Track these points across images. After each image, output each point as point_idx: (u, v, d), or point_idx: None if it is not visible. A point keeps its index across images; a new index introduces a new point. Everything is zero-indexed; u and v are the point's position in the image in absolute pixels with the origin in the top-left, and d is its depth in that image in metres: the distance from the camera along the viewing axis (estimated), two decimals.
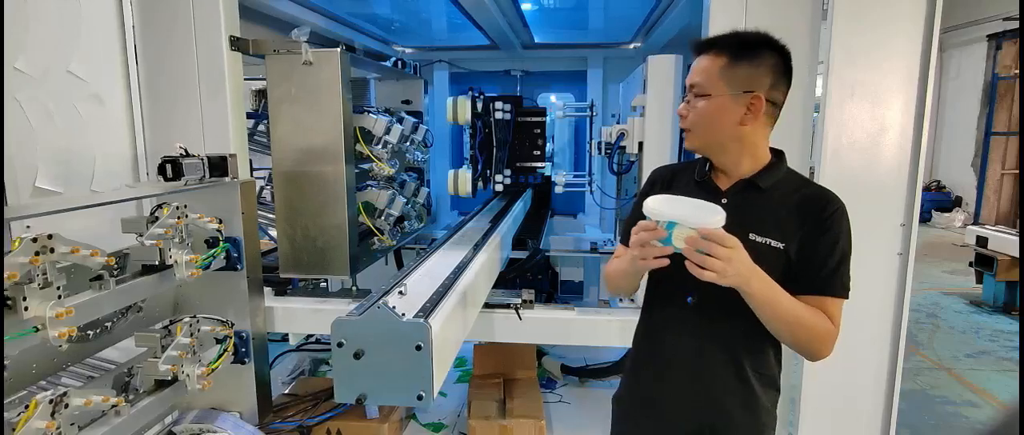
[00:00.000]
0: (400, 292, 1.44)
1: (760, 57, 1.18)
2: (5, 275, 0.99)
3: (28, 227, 1.49)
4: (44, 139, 1.84)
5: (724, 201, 1.22)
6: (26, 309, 1.05)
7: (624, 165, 2.32)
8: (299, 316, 2.08)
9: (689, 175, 1.33)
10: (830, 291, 1.18)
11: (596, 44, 3.74)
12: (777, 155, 1.26)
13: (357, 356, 1.16)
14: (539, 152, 3.27)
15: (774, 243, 1.17)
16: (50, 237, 1.08)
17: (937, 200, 9.66)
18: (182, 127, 1.99)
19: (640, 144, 2.11)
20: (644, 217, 1.16)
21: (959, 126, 9.34)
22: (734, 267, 1.04)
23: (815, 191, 1.23)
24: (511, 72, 3.91)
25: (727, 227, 1.14)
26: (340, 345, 1.17)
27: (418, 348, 1.15)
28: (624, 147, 2.17)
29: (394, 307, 1.20)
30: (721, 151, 1.24)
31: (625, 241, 1.34)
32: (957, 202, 9.70)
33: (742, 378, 1.24)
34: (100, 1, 1.88)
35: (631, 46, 3.66)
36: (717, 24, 1.85)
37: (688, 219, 1.03)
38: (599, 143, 2.55)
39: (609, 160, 2.26)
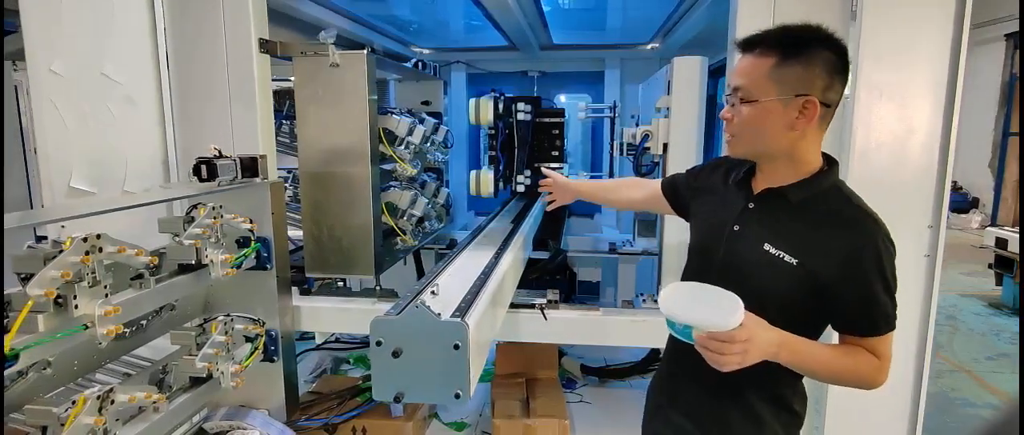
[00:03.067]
0: (432, 292, 1.46)
1: (813, 55, 1.07)
2: (59, 274, 1.01)
3: (62, 227, 1.52)
4: (79, 140, 1.88)
5: (751, 205, 1.19)
6: (76, 307, 1.08)
7: (648, 166, 2.32)
8: (325, 315, 2.10)
9: (734, 173, 1.27)
10: (876, 331, 1.10)
11: (614, 45, 3.74)
12: (828, 164, 1.16)
13: (395, 355, 1.18)
14: (557, 153, 3.28)
15: (788, 258, 1.11)
16: (99, 237, 1.11)
17: (954, 201, 9.57)
18: (212, 128, 2.01)
19: (664, 145, 2.12)
20: (684, 178, 1.36)
21: (976, 127, 9.26)
22: (753, 355, 1.00)
23: (858, 214, 1.11)
24: (528, 73, 3.92)
25: (746, 234, 1.15)
26: (379, 343, 1.18)
27: (456, 347, 1.16)
28: (648, 148, 2.18)
29: (430, 307, 1.21)
30: (768, 159, 1.16)
31: (665, 183, 1.52)
32: (974, 203, 9.61)
33: (753, 415, 1.21)
34: (132, 5, 1.90)
35: (649, 47, 3.66)
36: (744, 25, 1.85)
37: (702, 324, 1.01)
38: (621, 144, 2.55)
39: (634, 161, 2.27)
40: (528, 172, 2.84)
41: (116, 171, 1.93)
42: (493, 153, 2.93)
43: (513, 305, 2.03)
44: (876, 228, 1.09)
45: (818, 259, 1.09)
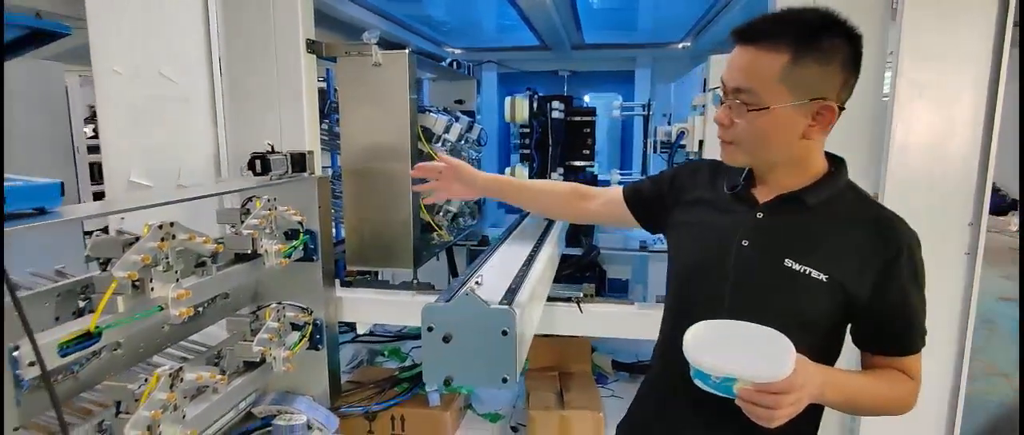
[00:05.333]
0: (477, 282, 1.51)
1: (831, 50, 0.92)
2: (139, 258, 1.09)
3: (122, 219, 1.61)
4: (137, 136, 1.98)
5: (759, 216, 1.04)
6: (152, 290, 1.15)
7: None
8: (366, 306, 2.17)
9: (724, 179, 1.13)
10: (913, 349, 1.01)
11: (645, 44, 3.76)
12: (835, 164, 1.05)
13: (446, 340, 1.23)
14: (588, 151, 3.32)
15: (815, 274, 0.97)
16: (172, 225, 1.18)
17: (992, 203, 9.28)
18: (260, 126, 2.10)
19: (700, 142, 2.14)
20: (652, 187, 1.20)
21: (1014, 126, 9.00)
22: (805, 402, 0.88)
23: (888, 217, 1.01)
24: (559, 72, 3.96)
25: (758, 248, 1.00)
26: (430, 329, 1.24)
27: (504, 333, 1.22)
28: (684, 145, 2.20)
29: (480, 295, 1.26)
30: (770, 165, 1.03)
31: (629, 191, 1.31)
32: (1013, 205, 9.35)
33: None
34: (188, 8, 2.00)
35: (680, 46, 3.67)
36: None
37: (750, 375, 0.85)
38: (654, 142, 2.58)
39: (669, 158, 2.30)
40: (561, 170, 2.89)
41: (171, 166, 2.02)
42: (525, 151, 2.98)
43: (549, 299, 2.07)
44: (910, 233, 0.99)
45: (850, 272, 0.97)
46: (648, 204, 1.29)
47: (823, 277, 0.98)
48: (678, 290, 1.16)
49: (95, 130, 7.15)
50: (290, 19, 2.03)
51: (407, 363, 2.61)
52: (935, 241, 1.81)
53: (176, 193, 1.63)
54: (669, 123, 2.39)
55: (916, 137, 1.80)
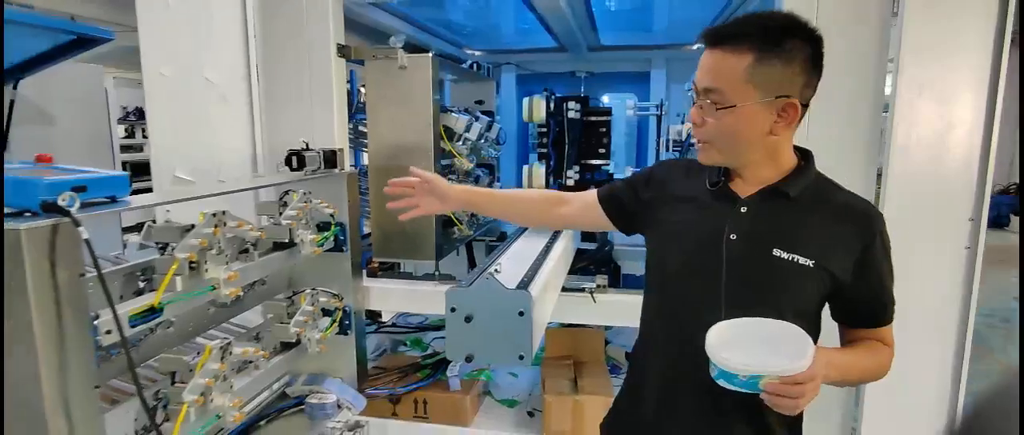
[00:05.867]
0: (496, 270, 1.63)
1: (793, 50, 0.98)
2: (198, 242, 1.22)
3: (168, 211, 1.76)
4: (182, 135, 2.13)
5: (743, 210, 1.09)
6: (206, 271, 1.29)
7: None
8: (391, 295, 2.30)
9: (701, 178, 1.17)
10: (889, 319, 1.11)
11: (660, 46, 3.85)
12: (804, 157, 1.11)
13: (467, 320, 1.35)
14: (604, 150, 3.41)
15: (801, 260, 1.04)
16: (224, 213, 1.32)
17: (1010, 204, 9.18)
18: (293, 125, 2.24)
19: None
20: (627, 189, 1.24)
21: (1014, 126, 8.81)
22: (819, 386, 0.94)
23: (861, 204, 1.09)
24: (576, 73, 4.06)
25: (746, 240, 1.05)
26: (453, 310, 1.36)
27: (521, 314, 1.33)
28: (694, 144, 2.29)
29: (499, 279, 1.38)
30: (743, 162, 1.09)
31: (603, 194, 1.33)
32: None
33: (764, 428, 1.11)
34: (229, 16, 2.15)
35: (694, 47, 3.75)
36: None
37: (777, 371, 0.91)
38: (667, 141, 2.67)
39: (680, 156, 2.39)
40: (577, 167, 3.00)
41: (212, 162, 2.17)
42: (543, 150, 3.09)
43: (564, 289, 2.18)
44: (880, 217, 1.08)
45: (833, 257, 1.04)
46: (624, 206, 1.32)
47: (810, 263, 1.04)
48: (670, 288, 1.17)
49: (127, 130, 7.39)
50: (322, 25, 2.17)
51: (428, 352, 2.74)
52: (936, 236, 1.89)
53: (221, 186, 1.77)
54: (683, 122, 2.48)
55: (917, 134, 1.86)
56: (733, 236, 1.09)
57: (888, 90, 1.89)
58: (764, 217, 1.08)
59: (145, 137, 7.11)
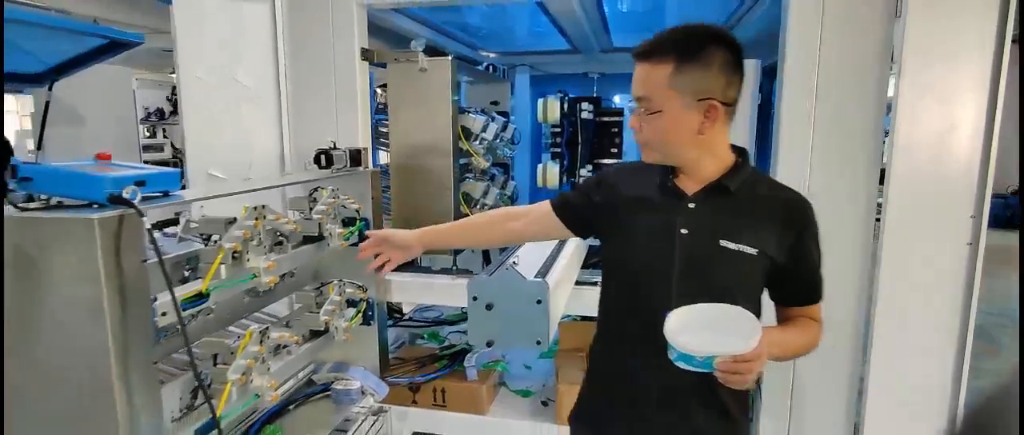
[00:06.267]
0: (514, 262, 1.72)
1: (709, 56, 1.09)
2: (242, 233, 1.33)
3: (202, 207, 1.87)
4: (216, 135, 2.25)
5: (691, 205, 1.19)
6: (248, 261, 1.40)
7: None
8: (411, 288, 2.40)
9: (649, 178, 1.26)
10: (819, 298, 1.23)
11: None
12: (741, 154, 1.22)
13: (488, 308, 1.44)
14: (616, 150, 3.49)
15: (746, 250, 1.15)
16: (264, 207, 1.42)
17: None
18: (319, 126, 2.35)
19: None
20: (580, 196, 1.34)
21: (1015, 125, 8.73)
22: (765, 362, 1.05)
23: (792, 196, 1.21)
24: (589, 74, 4.14)
25: (696, 234, 1.16)
26: (475, 298, 1.45)
27: (538, 302, 1.42)
28: None
29: (518, 270, 1.47)
30: (682, 160, 1.20)
31: (557, 203, 1.40)
32: None
33: (717, 404, 1.23)
34: (259, 21, 2.26)
35: None
36: (795, 28, 2.00)
37: (728, 351, 1.01)
38: None
39: None
40: (590, 166, 3.08)
41: (243, 161, 2.29)
42: (556, 149, 3.18)
43: (578, 283, 2.26)
44: (810, 206, 1.20)
45: (772, 244, 1.16)
46: (579, 212, 1.41)
47: (753, 251, 1.15)
48: (629, 281, 1.27)
49: (149, 130, 7.58)
50: (346, 30, 2.28)
51: (445, 344, 2.83)
52: (938, 235, 1.94)
53: (259, 183, 1.87)
54: None
55: (919, 134, 1.91)
56: (684, 230, 1.19)
57: (891, 91, 1.95)
58: (709, 211, 1.18)
59: (166, 137, 7.30)
